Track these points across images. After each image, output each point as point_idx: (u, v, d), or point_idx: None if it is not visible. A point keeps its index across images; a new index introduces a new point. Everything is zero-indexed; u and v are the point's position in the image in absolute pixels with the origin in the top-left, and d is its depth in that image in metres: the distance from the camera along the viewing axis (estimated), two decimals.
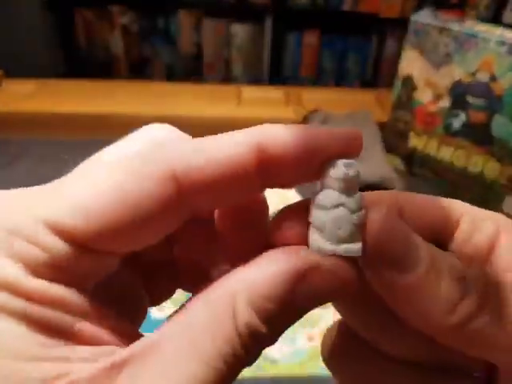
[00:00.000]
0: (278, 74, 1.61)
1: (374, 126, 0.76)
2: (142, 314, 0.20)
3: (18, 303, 0.13)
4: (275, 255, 0.16)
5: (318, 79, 1.64)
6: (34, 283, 0.13)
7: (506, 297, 0.16)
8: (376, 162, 0.67)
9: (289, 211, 0.17)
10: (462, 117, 0.64)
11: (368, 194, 0.17)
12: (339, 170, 0.16)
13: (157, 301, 0.20)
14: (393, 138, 0.72)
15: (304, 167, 0.16)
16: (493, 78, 0.59)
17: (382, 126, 0.74)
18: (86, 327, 0.14)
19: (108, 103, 0.84)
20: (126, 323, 0.16)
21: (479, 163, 0.64)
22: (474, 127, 0.63)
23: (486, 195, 0.65)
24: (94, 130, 0.78)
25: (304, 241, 0.16)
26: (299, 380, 0.46)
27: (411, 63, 0.66)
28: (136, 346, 0.14)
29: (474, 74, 0.61)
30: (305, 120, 0.77)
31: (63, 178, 0.15)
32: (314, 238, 0.16)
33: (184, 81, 1.53)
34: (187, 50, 1.63)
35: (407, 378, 0.18)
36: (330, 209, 0.16)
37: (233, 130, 0.16)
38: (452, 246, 0.17)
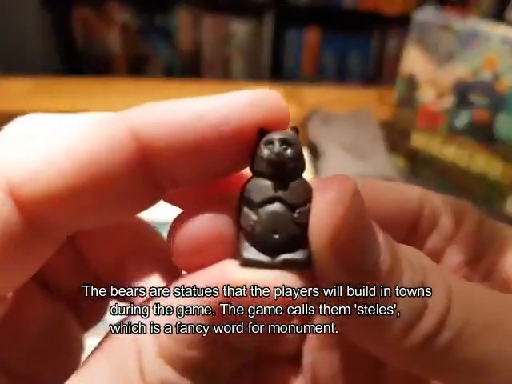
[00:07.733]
0: (278, 72, 1.60)
1: (375, 125, 0.75)
2: (75, 343, 0.18)
3: None
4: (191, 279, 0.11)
5: (318, 77, 1.63)
6: None
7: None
8: (378, 162, 0.67)
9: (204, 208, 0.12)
10: (466, 116, 0.63)
11: (315, 181, 0.12)
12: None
13: (87, 326, 0.18)
14: (395, 136, 0.71)
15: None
16: (496, 77, 0.58)
17: (385, 125, 0.73)
18: None
19: (106, 101, 0.83)
20: None
21: (482, 163, 0.64)
22: (477, 126, 0.62)
23: (488, 195, 0.64)
24: None
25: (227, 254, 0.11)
26: None
27: (413, 61, 0.65)
28: None
29: (477, 73, 0.60)
30: (305, 119, 0.76)
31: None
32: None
33: (183, 79, 1.52)
34: (186, 48, 1.62)
35: None
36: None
37: None
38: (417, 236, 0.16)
